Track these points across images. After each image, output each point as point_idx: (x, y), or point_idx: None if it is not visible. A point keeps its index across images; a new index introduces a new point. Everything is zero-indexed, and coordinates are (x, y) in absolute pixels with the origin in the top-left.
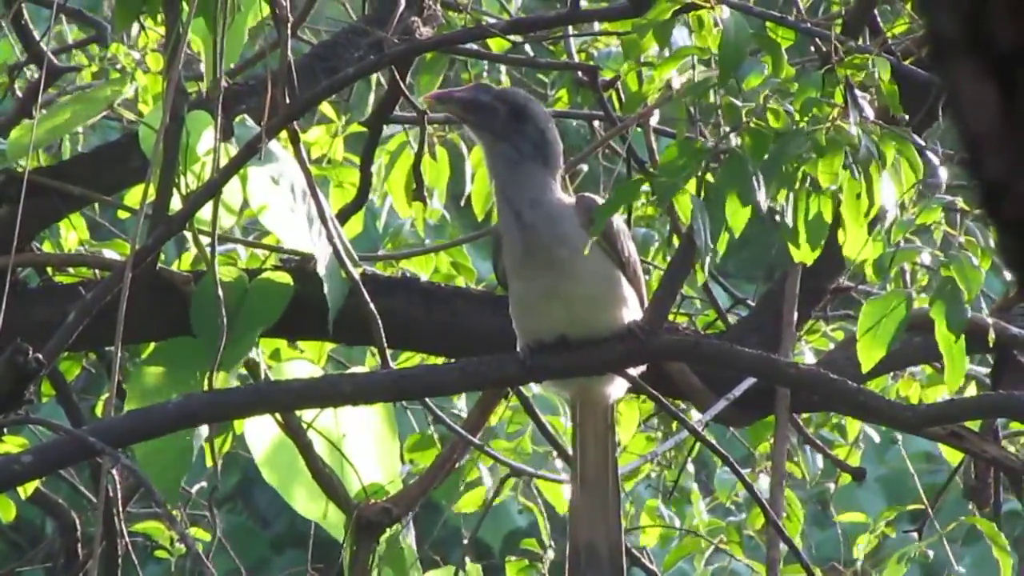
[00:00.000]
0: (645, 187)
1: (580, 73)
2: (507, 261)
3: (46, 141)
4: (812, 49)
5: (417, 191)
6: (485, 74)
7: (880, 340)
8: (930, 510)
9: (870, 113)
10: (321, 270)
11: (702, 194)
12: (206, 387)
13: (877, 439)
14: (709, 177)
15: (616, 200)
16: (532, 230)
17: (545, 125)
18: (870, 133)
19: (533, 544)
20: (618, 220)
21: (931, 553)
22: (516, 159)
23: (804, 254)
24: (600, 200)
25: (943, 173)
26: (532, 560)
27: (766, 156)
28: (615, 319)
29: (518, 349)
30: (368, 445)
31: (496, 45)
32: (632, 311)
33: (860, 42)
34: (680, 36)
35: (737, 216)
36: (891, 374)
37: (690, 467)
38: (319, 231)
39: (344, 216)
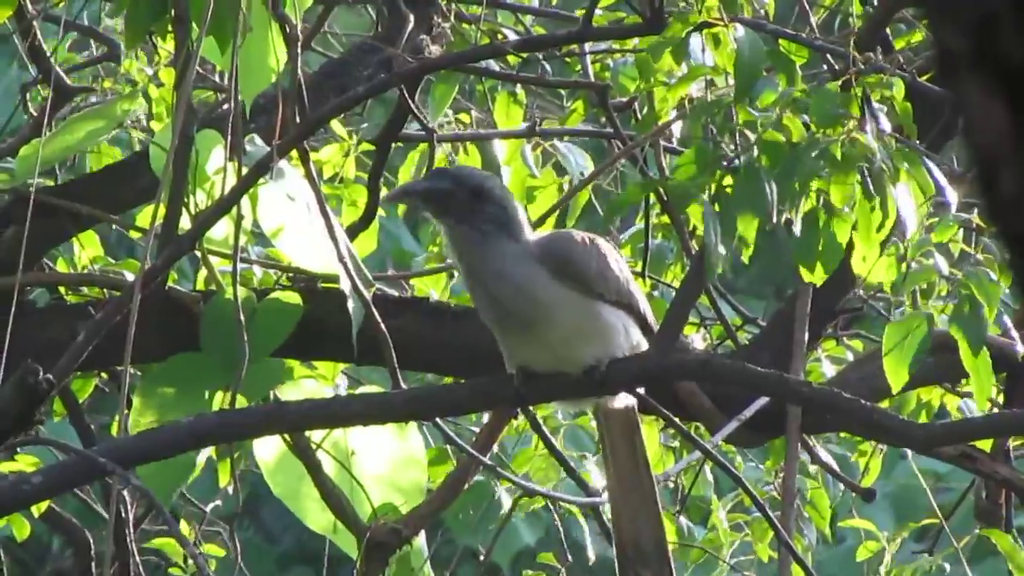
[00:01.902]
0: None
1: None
2: (482, 317)
3: (58, 159)
4: (824, 67)
5: None
6: (500, 84)
7: (906, 360)
8: (945, 524)
9: (887, 126)
10: (346, 288)
11: (716, 204)
12: (217, 407)
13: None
14: (721, 184)
15: (623, 198)
16: (500, 302)
17: (504, 201)
18: (887, 146)
19: (550, 558)
20: (591, 250)
21: (948, 567)
22: (478, 240)
23: (815, 276)
24: (566, 236)
25: (952, 195)
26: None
27: (781, 168)
28: (603, 346)
29: (508, 371)
30: (384, 463)
31: (511, 56)
32: (621, 333)
33: (873, 59)
34: (695, 47)
35: (748, 227)
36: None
37: (709, 476)
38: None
39: (352, 234)
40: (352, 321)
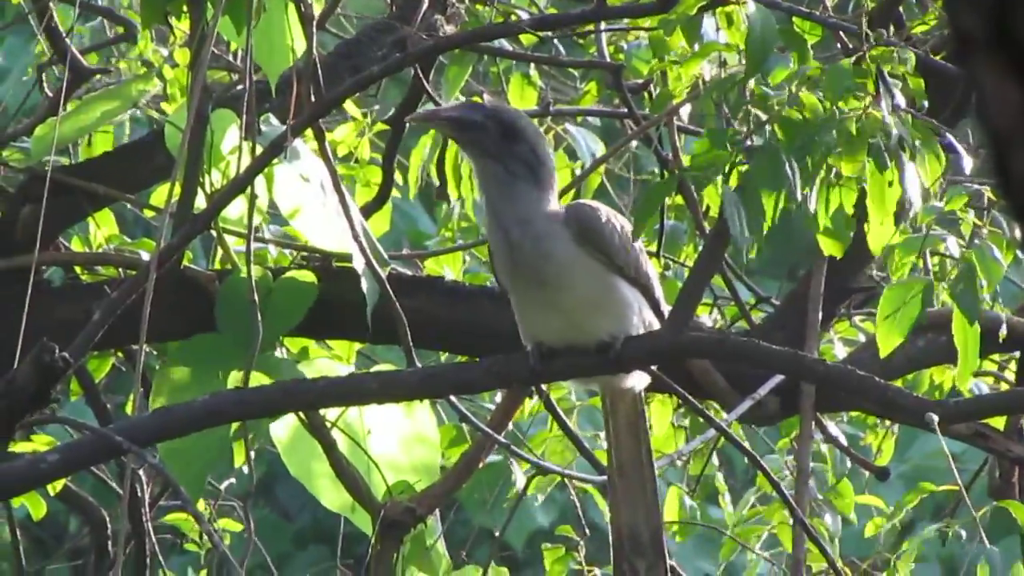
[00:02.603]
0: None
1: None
2: (499, 275)
3: (73, 138)
4: (838, 46)
5: (440, 189)
6: (513, 66)
7: (900, 326)
8: (966, 496)
9: (901, 101)
10: (359, 267)
11: (735, 185)
12: (230, 385)
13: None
14: (740, 170)
15: (649, 201)
16: (519, 249)
17: (536, 143)
18: (903, 121)
19: (569, 530)
20: (614, 224)
21: (963, 533)
22: (506, 179)
23: (834, 247)
24: (592, 206)
25: (967, 164)
26: (568, 548)
27: (798, 145)
28: (617, 322)
29: (524, 343)
30: (396, 442)
31: (524, 38)
32: (636, 311)
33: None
34: (708, 28)
35: (768, 206)
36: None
37: (715, 460)
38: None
39: (367, 213)
40: (367, 300)
